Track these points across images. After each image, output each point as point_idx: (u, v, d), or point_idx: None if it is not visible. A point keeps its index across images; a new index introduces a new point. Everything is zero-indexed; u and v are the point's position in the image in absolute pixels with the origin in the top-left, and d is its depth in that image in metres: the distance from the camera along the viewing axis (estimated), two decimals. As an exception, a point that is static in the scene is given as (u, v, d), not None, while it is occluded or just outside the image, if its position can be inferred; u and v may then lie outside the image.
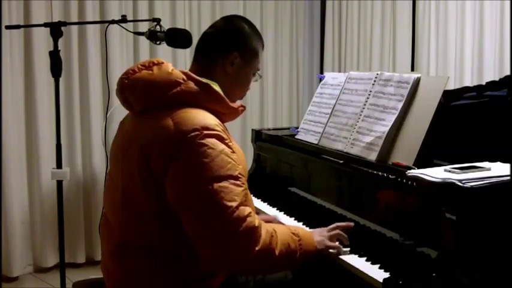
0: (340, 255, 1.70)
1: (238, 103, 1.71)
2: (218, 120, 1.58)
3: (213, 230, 1.47)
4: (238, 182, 1.51)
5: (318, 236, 1.72)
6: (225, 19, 1.81)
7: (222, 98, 1.63)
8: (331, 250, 1.71)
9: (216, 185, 1.46)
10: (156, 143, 1.53)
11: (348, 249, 1.71)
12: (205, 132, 1.50)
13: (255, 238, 1.49)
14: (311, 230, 1.81)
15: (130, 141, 1.63)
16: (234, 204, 1.46)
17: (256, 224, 1.50)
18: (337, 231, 1.76)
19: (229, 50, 1.70)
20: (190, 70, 1.68)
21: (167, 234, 1.57)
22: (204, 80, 1.61)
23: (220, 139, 1.53)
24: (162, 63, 1.63)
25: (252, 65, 1.76)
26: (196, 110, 1.57)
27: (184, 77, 1.59)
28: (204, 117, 1.55)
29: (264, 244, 1.50)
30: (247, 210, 1.49)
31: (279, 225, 1.75)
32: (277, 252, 1.53)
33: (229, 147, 1.54)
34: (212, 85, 1.62)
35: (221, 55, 1.70)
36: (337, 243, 1.73)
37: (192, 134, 1.49)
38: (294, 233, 1.63)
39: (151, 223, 1.57)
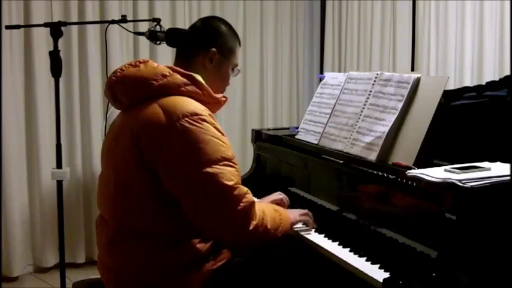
0: (309, 234, 1.90)
1: (220, 95, 1.83)
2: (204, 106, 1.69)
3: (216, 209, 1.59)
4: (231, 163, 1.63)
5: (291, 213, 1.90)
6: (202, 20, 1.97)
7: (205, 88, 1.74)
8: (297, 228, 1.91)
9: (213, 167, 1.58)
10: (146, 127, 1.63)
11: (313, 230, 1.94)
12: (195, 117, 1.61)
13: (253, 214, 1.64)
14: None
15: (119, 133, 1.72)
16: (232, 183, 1.59)
17: (253, 201, 1.65)
18: (306, 217, 1.94)
19: (208, 47, 1.83)
20: None
21: (161, 217, 1.65)
22: (188, 72, 1.73)
23: (210, 123, 1.64)
24: (148, 61, 1.76)
25: (230, 61, 1.89)
26: (182, 97, 1.68)
27: (170, 70, 1.71)
28: (191, 104, 1.66)
29: (260, 219, 1.66)
30: (244, 188, 1.64)
31: (263, 203, 1.93)
32: (269, 226, 1.69)
33: (218, 130, 1.65)
34: (195, 76, 1.74)
35: (201, 52, 1.84)
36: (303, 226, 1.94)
37: (182, 119, 1.59)
38: (275, 209, 1.81)
39: (145, 206, 1.64)
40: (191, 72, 1.74)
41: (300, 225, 1.95)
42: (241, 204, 1.60)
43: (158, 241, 1.65)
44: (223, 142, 1.63)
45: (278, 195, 2.06)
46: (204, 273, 1.69)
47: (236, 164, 1.65)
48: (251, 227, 1.61)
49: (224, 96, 1.83)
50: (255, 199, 2.21)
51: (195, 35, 1.87)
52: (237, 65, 1.93)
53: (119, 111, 1.86)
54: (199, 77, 1.74)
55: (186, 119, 1.60)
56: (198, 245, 1.68)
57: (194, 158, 1.58)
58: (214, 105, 1.79)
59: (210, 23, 1.91)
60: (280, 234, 1.75)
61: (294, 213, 1.92)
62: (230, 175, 1.60)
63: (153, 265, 1.65)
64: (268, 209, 1.76)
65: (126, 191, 1.66)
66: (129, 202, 1.66)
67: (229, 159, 1.62)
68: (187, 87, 1.70)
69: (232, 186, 1.59)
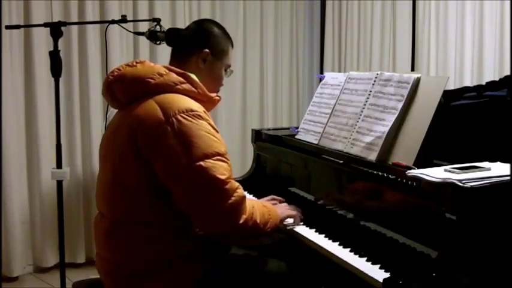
0: (295, 228, 1.96)
1: (214, 94, 1.89)
2: (199, 104, 1.75)
3: (207, 202, 1.63)
4: (224, 159, 1.68)
5: (279, 209, 1.96)
6: (196, 22, 2.03)
7: (200, 86, 1.80)
8: (286, 222, 1.96)
9: (207, 161, 1.63)
10: (143, 123, 1.68)
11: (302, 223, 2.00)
12: (190, 113, 1.67)
13: (243, 208, 1.68)
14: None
15: (116, 130, 1.76)
16: (224, 177, 1.64)
17: (244, 195, 1.70)
18: (294, 212, 1.99)
19: (202, 48, 1.90)
20: None
21: (160, 210, 1.69)
22: (183, 71, 1.80)
23: (205, 119, 1.69)
24: (145, 61, 1.82)
25: (222, 62, 1.96)
26: (178, 95, 1.74)
27: (166, 69, 1.78)
28: (186, 101, 1.72)
29: (249, 213, 1.70)
30: (236, 183, 1.69)
31: (253, 199, 1.93)
32: (258, 221, 1.73)
33: (212, 127, 1.71)
34: (190, 75, 1.80)
35: (195, 53, 1.90)
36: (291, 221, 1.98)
37: (178, 115, 1.65)
38: (264, 205, 1.86)
39: (142, 200, 1.68)
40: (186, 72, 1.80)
41: (290, 220, 1.99)
42: (232, 198, 1.64)
43: (157, 230, 1.69)
44: (216, 138, 1.69)
45: (271, 199, 2.10)
46: (204, 264, 1.73)
47: (229, 160, 1.70)
48: (241, 221, 1.66)
49: (218, 95, 1.89)
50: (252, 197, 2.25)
51: (189, 37, 1.94)
52: (229, 66, 2.00)
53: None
54: (194, 76, 1.80)
55: (182, 114, 1.65)
56: (198, 235, 1.73)
57: (188, 151, 1.62)
58: (208, 103, 1.84)
59: (203, 25, 1.97)
60: (269, 229, 1.79)
61: (283, 209, 1.98)
62: (223, 169, 1.64)
63: (152, 254, 1.69)
64: (258, 205, 1.81)
65: (123, 185, 1.70)
66: (127, 196, 1.70)
67: (222, 155, 1.67)
68: (182, 85, 1.75)
69: (224, 180, 1.63)
